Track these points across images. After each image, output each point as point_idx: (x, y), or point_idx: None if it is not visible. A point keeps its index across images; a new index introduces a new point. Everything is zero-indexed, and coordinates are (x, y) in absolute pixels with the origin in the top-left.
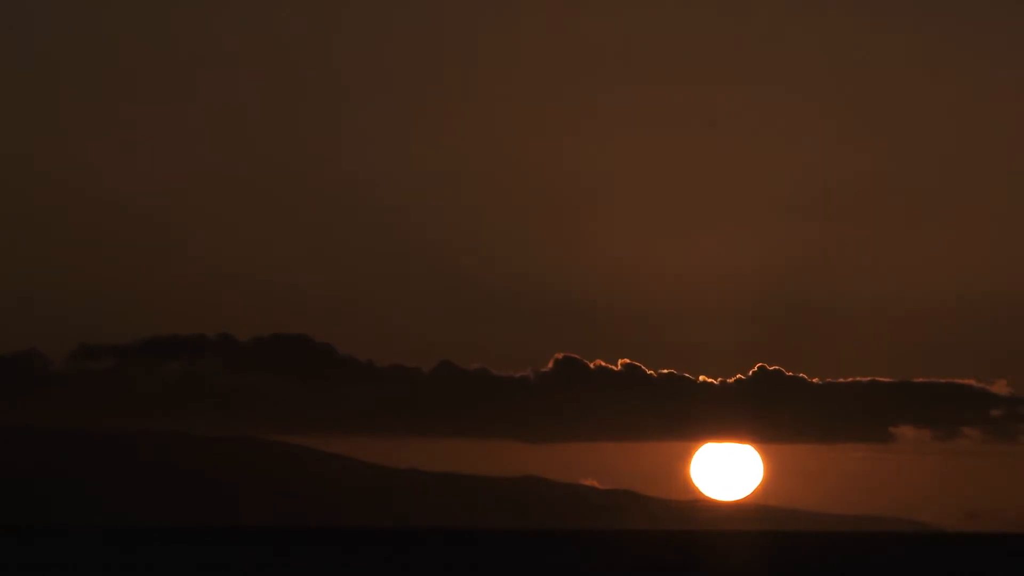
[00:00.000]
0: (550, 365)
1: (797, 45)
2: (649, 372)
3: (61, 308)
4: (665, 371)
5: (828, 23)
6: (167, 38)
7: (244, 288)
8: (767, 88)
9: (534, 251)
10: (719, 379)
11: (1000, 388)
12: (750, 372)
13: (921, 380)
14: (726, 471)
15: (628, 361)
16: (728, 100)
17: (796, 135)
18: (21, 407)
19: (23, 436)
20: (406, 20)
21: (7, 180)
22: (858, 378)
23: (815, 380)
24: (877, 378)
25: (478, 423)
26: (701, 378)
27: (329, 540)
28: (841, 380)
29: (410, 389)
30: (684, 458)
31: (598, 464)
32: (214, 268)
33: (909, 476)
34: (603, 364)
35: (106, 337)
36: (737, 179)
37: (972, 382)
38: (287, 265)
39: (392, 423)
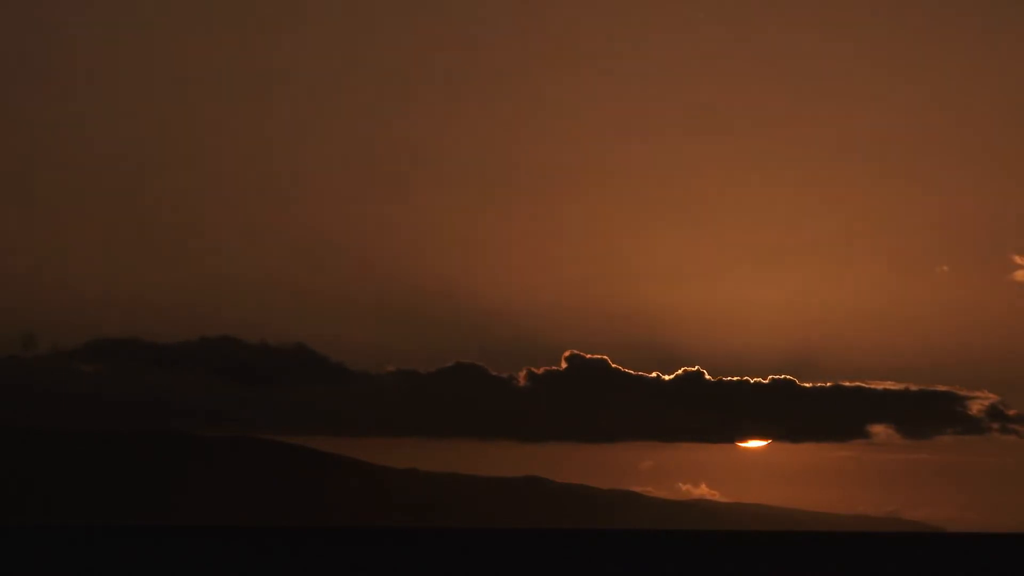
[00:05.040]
0: (562, 366)
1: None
2: (663, 376)
3: (64, 308)
4: (679, 373)
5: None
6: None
7: (245, 293)
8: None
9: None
10: (734, 378)
11: (985, 395)
12: (768, 378)
13: (923, 387)
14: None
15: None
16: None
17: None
18: (22, 407)
19: (23, 436)
20: (396, 18)
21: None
22: (862, 383)
23: (827, 384)
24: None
25: (483, 424)
26: (714, 379)
27: (329, 540)
28: (846, 384)
29: (418, 392)
30: (684, 458)
31: (598, 464)
32: (214, 274)
33: (909, 475)
34: (608, 364)
35: (108, 337)
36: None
37: (965, 391)
38: (287, 272)
39: (397, 425)
